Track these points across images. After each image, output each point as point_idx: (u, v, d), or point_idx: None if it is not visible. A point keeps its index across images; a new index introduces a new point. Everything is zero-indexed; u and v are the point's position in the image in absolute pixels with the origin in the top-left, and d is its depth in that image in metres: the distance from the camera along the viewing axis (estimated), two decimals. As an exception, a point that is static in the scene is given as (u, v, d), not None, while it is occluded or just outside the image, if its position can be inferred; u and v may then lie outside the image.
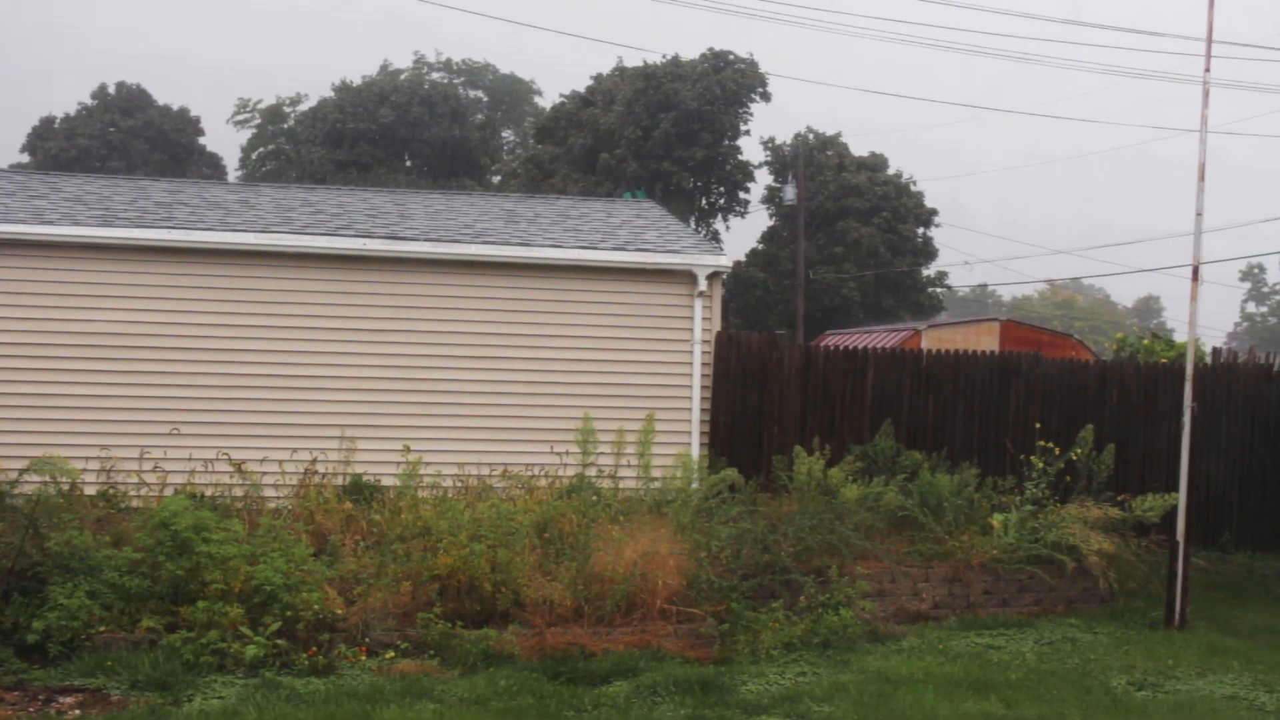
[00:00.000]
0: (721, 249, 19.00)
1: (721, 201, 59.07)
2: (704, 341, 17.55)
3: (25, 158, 66.98)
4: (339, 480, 15.41)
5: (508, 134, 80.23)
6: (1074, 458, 15.98)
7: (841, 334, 38.04)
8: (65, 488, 13.86)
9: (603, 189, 52.04)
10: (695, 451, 17.15)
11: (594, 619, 12.21)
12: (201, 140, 71.30)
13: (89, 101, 68.82)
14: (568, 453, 16.11)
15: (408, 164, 68.54)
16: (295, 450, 15.79)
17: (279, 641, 11.04)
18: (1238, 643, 13.48)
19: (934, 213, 58.41)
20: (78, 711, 9.77)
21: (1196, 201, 14.59)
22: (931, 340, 30.53)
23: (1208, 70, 14.67)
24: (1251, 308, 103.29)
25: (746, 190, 59.08)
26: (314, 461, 15.42)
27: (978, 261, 63.71)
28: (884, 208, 55.89)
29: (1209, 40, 14.73)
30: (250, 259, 16.64)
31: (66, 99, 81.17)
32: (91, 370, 16.09)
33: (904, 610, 14.11)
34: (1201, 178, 14.59)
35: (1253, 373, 19.62)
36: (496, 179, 66.99)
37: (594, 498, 14.55)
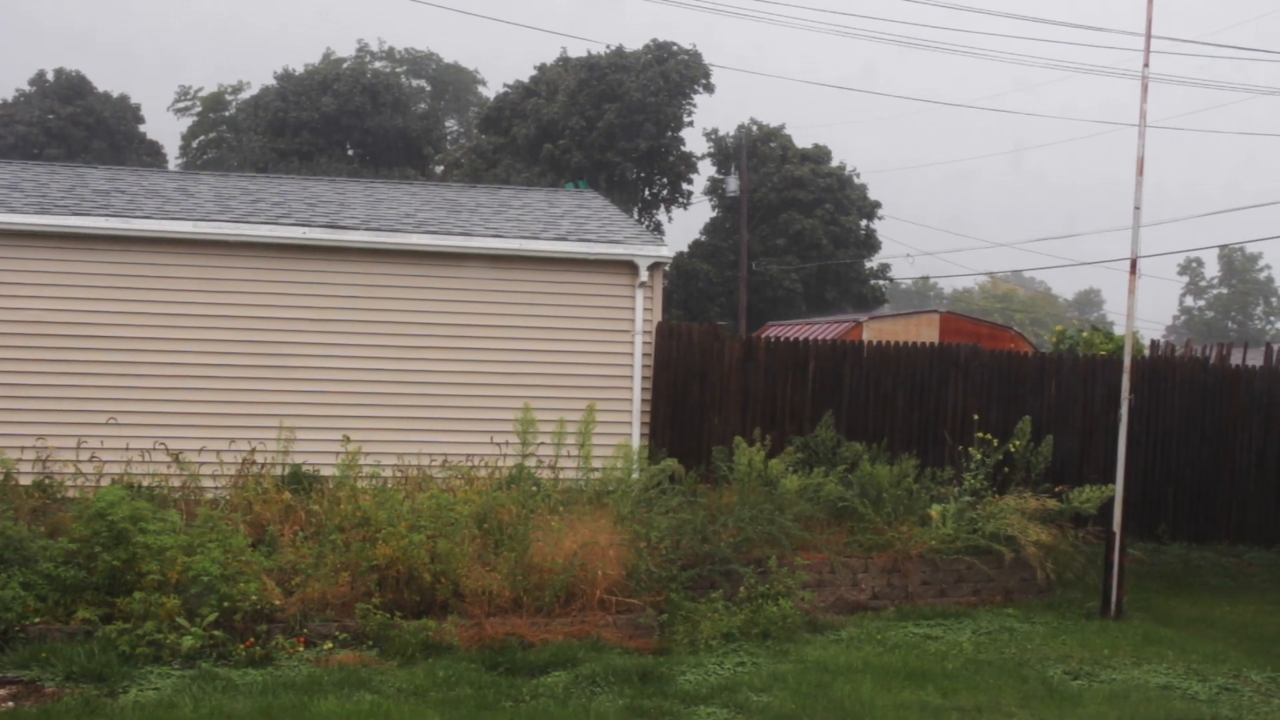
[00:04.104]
0: (663, 240, 19.00)
1: (665, 193, 59.04)
2: (645, 332, 17.56)
3: (-39, 145, 66.26)
4: (278, 470, 15.31)
5: (451, 124, 79.93)
6: (1012, 449, 16.09)
7: (783, 325, 38.13)
8: (0, 478, 13.72)
9: (546, 179, 51.96)
10: (636, 442, 17.15)
11: (533, 609, 12.20)
12: (142, 128, 70.64)
13: (27, 88, 68.13)
14: (508, 443, 16.08)
15: (350, 153, 68.12)
16: (234, 440, 15.71)
17: (216, 632, 10.98)
18: (1172, 633, 13.63)
19: (877, 205, 58.65)
20: (11, 704, 9.67)
21: (1135, 195, 14.71)
22: (872, 332, 30.65)
23: (1146, 65, 14.78)
24: (1190, 301, 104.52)
25: (690, 182, 59.11)
26: (252, 451, 15.32)
27: (920, 254, 63.90)
28: (827, 200, 56.04)
29: (1148, 35, 14.83)
30: (189, 247, 16.51)
31: (5, 85, 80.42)
32: (27, 359, 15.93)
33: (843, 600, 14.17)
34: (1140, 171, 14.71)
35: (1189, 366, 19.80)
36: (439, 169, 66.69)
37: (534, 488, 14.54)
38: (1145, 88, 14.75)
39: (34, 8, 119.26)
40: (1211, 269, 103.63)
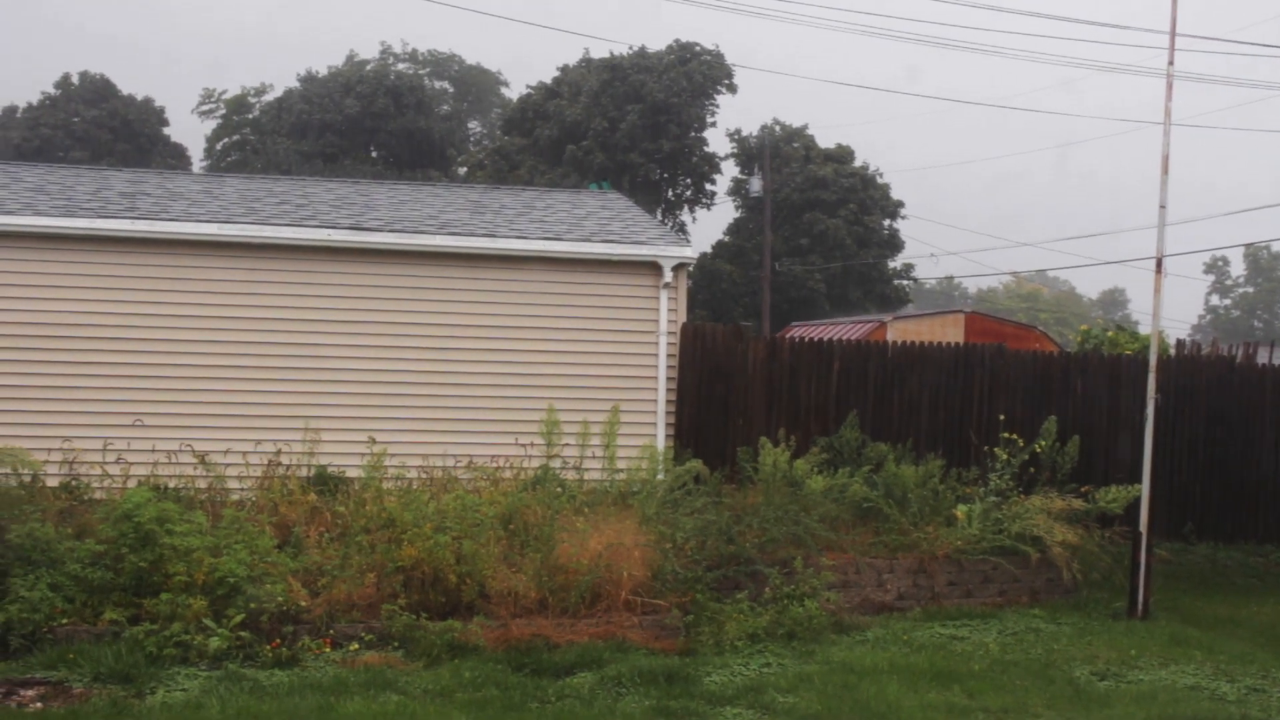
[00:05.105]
0: (687, 240, 19.01)
1: (688, 193, 59.11)
2: (669, 333, 17.53)
3: (-12, 147, 66.55)
4: (303, 472, 15.34)
5: (474, 125, 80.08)
6: (1038, 449, 16.04)
7: (807, 326, 38.15)
8: (27, 479, 13.77)
9: (569, 181, 52.00)
10: (660, 443, 17.12)
11: (559, 610, 12.21)
12: (166, 130, 70.88)
13: (53, 91, 68.38)
14: (532, 444, 16.08)
15: (373, 155, 68.29)
16: (259, 441, 15.73)
17: (242, 633, 11.01)
18: (1200, 633, 13.57)
19: (900, 204, 58.61)
20: (39, 704, 9.71)
21: (1160, 194, 14.64)
22: (897, 332, 30.61)
23: (1171, 63, 14.72)
24: (1215, 300, 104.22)
25: (713, 182, 59.17)
26: (278, 453, 15.35)
27: (944, 254, 63.85)
28: (850, 200, 56.02)
29: (1172, 33, 14.78)
30: (214, 249, 16.55)
31: (30, 88, 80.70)
32: (54, 361, 15.97)
33: (869, 601, 14.14)
34: (1165, 170, 14.64)
35: (1216, 364, 19.71)
36: (462, 170, 66.75)
37: (559, 489, 14.53)
38: (1170, 86, 14.70)
39: (59, 12, 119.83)
40: (1237, 268, 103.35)
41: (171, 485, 14.36)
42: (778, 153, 56.78)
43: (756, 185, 53.31)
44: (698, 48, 57.42)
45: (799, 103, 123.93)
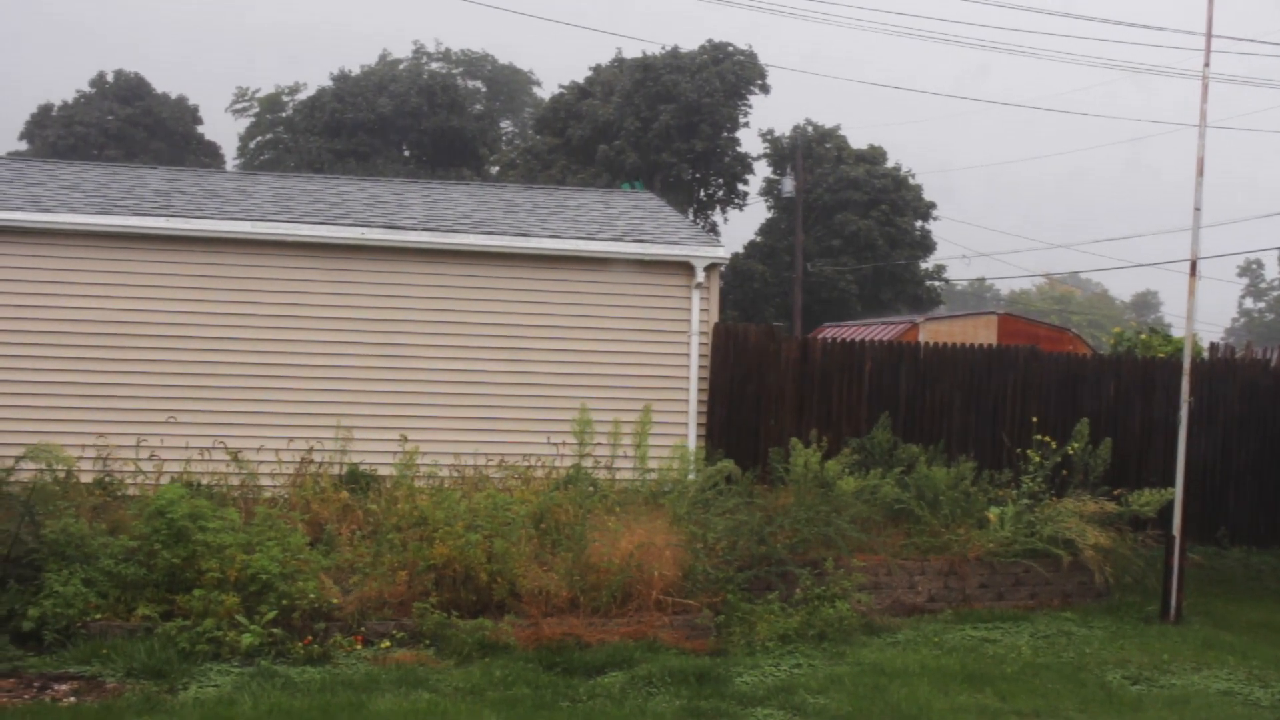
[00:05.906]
0: (719, 241, 18.97)
1: (720, 194, 59.06)
2: (701, 333, 17.52)
3: (23, 145, 66.90)
4: (335, 469, 15.39)
5: (506, 124, 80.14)
6: (1070, 451, 15.97)
7: (839, 326, 38.05)
8: (61, 475, 13.82)
9: (601, 180, 52.02)
10: (692, 443, 17.12)
11: (590, 609, 12.20)
12: (200, 129, 71.23)
13: (87, 89, 68.75)
14: (564, 443, 16.08)
15: (406, 154, 68.46)
16: (292, 439, 15.78)
17: (274, 630, 11.04)
18: (1233, 637, 13.49)
19: (932, 205, 58.36)
20: (73, 699, 9.76)
21: (1195, 196, 14.56)
22: (929, 333, 30.50)
23: (1207, 65, 14.65)
24: (1249, 303, 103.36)
25: (745, 182, 59.10)
26: (310, 450, 15.40)
27: (976, 255, 63.74)
28: (882, 200, 55.85)
29: (1208, 34, 14.71)
30: (248, 247, 16.60)
31: (65, 87, 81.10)
32: (88, 358, 16.06)
33: (900, 603, 14.11)
34: (1200, 172, 14.56)
35: (1250, 368, 19.59)
36: (495, 169, 66.81)
37: (590, 488, 14.53)
38: (1205, 88, 14.64)
39: (94, 11, 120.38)
40: (1272, 270, 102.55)
41: (204, 482, 14.44)
42: (810, 153, 56.68)
43: (788, 185, 53.21)
44: (730, 48, 57.39)
45: (831, 103, 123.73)
